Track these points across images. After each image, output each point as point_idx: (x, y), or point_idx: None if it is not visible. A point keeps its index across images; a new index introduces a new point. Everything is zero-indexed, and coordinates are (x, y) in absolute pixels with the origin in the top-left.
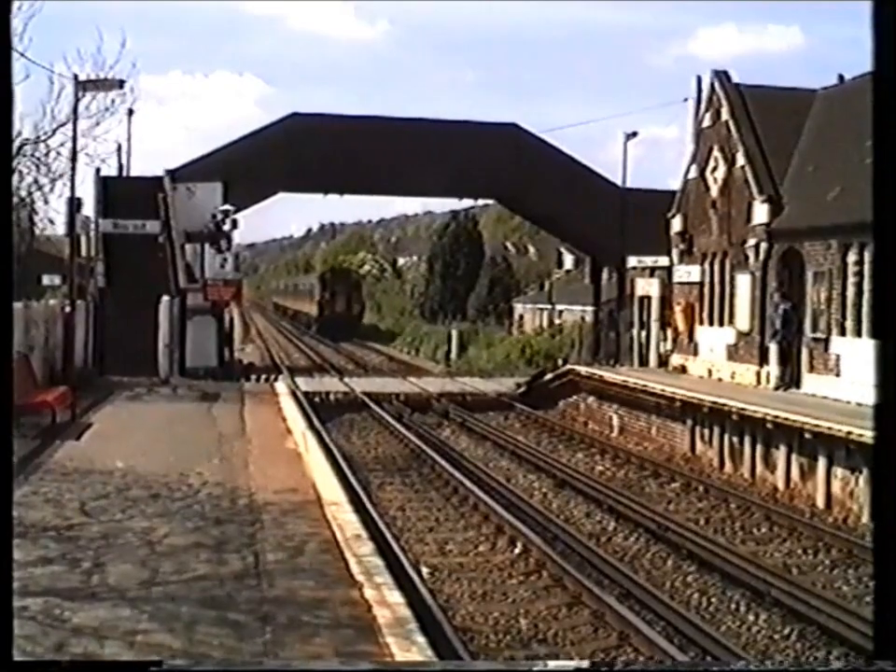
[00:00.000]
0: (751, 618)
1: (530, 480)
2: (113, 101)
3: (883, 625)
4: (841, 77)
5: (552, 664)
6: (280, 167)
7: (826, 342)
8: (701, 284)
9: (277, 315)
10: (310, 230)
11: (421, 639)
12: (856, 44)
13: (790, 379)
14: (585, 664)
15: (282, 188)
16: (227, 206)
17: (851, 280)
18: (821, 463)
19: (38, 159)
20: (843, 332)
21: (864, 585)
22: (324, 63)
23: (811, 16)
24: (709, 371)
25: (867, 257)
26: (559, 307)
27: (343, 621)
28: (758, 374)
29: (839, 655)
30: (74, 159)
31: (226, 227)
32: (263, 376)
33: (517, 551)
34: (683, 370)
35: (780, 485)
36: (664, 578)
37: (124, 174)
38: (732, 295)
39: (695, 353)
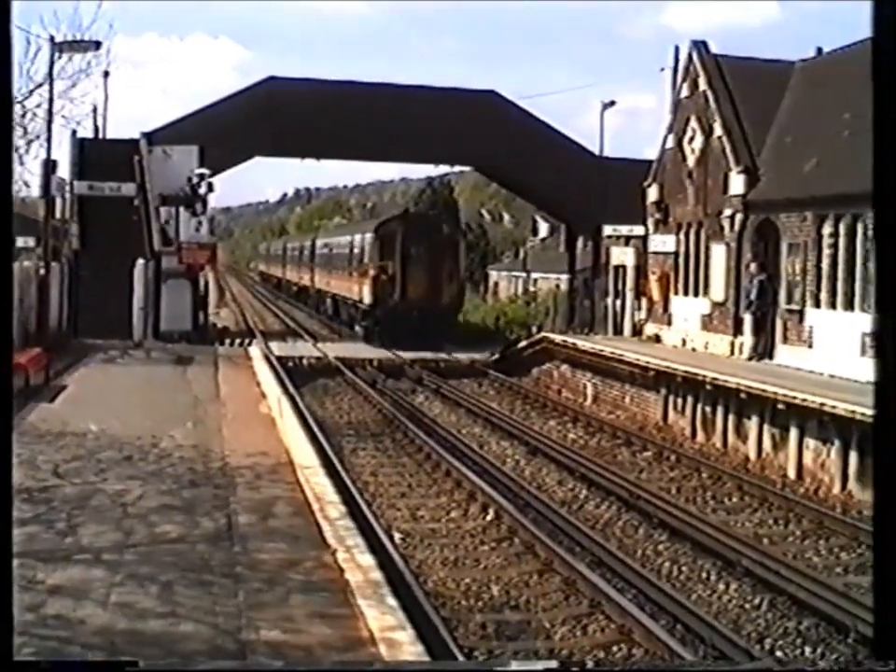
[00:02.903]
0: (722, 587)
1: (503, 447)
2: (89, 62)
3: (883, 625)
4: (819, 50)
5: (514, 664)
6: (257, 131)
7: (800, 313)
8: (676, 254)
9: (266, 290)
10: (285, 194)
11: (393, 603)
12: (832, 17)
13: (763, 350)
14: (553, 664)
15: (258, 152)
16: (203, 170)
17: (826, 252)
18: (793, 434)
19: (14, 120)
20: (817, 304)
21: (835, 556)
22: (301, 29)
23: None
24: (683, 341)
25: (842, 229)
26: (534, 275)
27: (316, 584)
28: (732, 344)
29: (810, 626)
30: (50, 120)
31: (201, 190)
32: (237, 340)
33: (489, 517)
34: (657, 339)
35: (752, 455)
36: (635, 546)
37: (100, 136)
38: (707, 265)
39: (670, 322)
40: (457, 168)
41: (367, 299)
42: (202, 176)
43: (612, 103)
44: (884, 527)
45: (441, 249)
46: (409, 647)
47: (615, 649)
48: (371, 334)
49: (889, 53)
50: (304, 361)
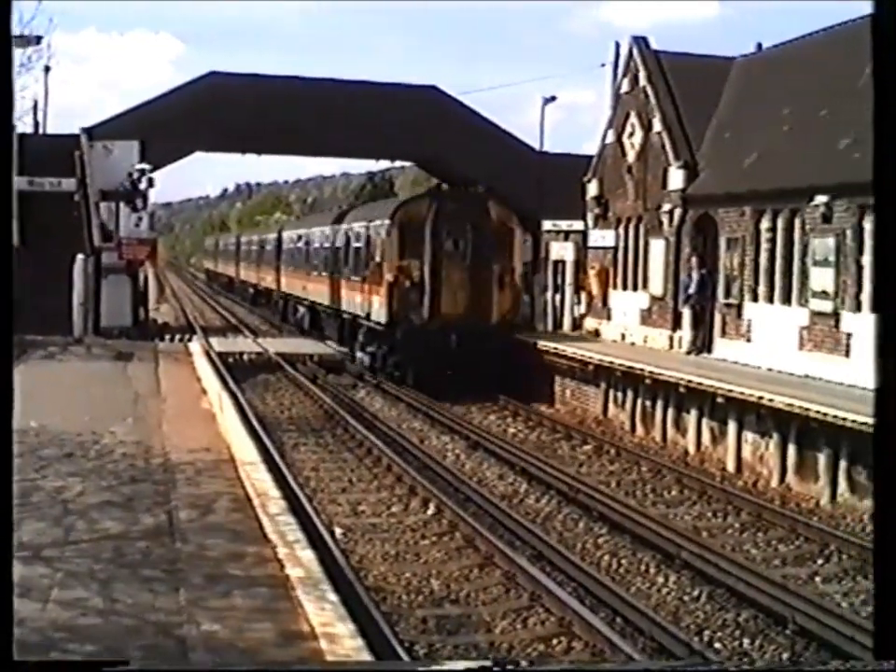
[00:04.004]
0: (661, 580)
1: (443, 441)
2: (29, 57)
3: (883, 625)
4: (759, 46)
5: (448, 664)
6: (197, 126)
7: (738, 307)
8: (615, 248)
9: (214, 290)
10: (226, 189)
11: (333, 598)
12: (772, 13)
13: (702, 344)
14: (487, 663)
15: (199, 147)
16: (143, 165)
17: (764, 247)
18: (732, 427)
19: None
20: (755, 298)
21: (773, 548)
22: (244, 23)
23: None
24: (623, 336)
25: (780, 223)
26: None
27: (257, 579)
28: (671, 339)
29: (748, 618)
30: None
31: (142, 185)
32: (178, 336)
33: (430, 512)
34: (597, 333)
35: (691, 449)
36: (575, 539)
37: (40, 131)
38: (646, 260)
39: (609, 317)
40: (398, 163)
41: (378, 315)
42: (142, 172)
43: (553, 98)
44: (884, 528)
45: (489, 242)
46: (349, 641)
47: (555, 641)
48: (383, 365)
49: (889, 50)
50: (245, 357)
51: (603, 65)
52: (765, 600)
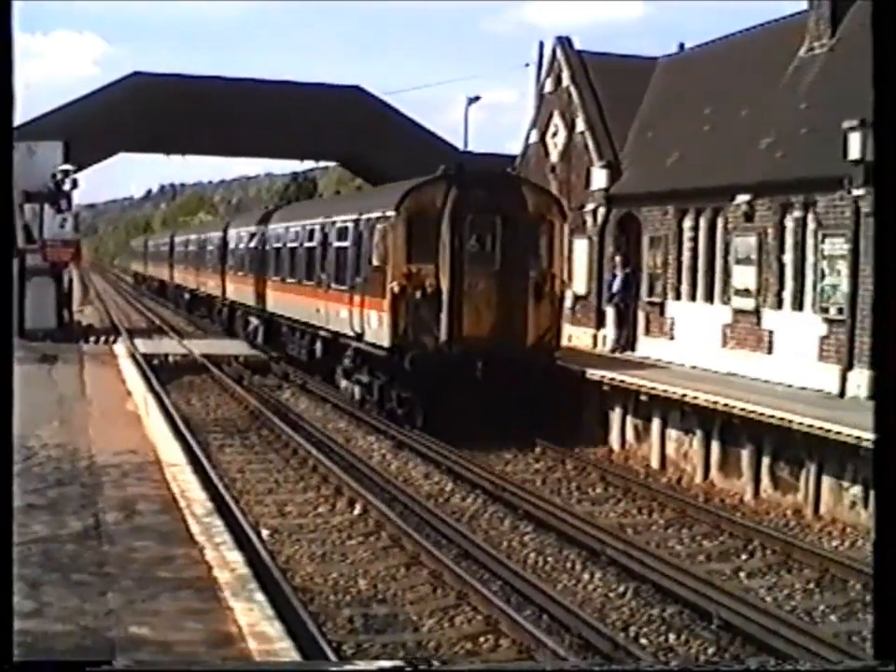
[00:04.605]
0: (587, 576)
1: (369, 441)
2: None
3: (883, 625)
4: (681, 46)
5: (361, 664)
6: (121, 126)
7: (661, 306)
8: None
9: (142, 293)
10: (150, 190)
11: (261, 597)
12: (695, 12)
13: (625, 342)
14: (400, 663)
15: (123, 147)
16: (67, 166)
17: (687, 245)
18: (656, 424)
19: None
20: (678, 297)
21: (697, 544)
22: (168, 23)
23: None
24: None
25: (703, 222)
26: None
27: (185, 581)
28: (595, 337)
29: (673, 613)
30: None
31: (66, 186)
32: (103, 338)
33: (356, 512)
34: None
35: (616, 446)
36: (501, 537)
37: None
38: (570, 259)
39: None
40: (322, 163)
41: (377, 336)
42: (66, 172)
43: (477, 98)
44: (883, 528)
45: (524, 240)
46: (278, 642)
47: (482, 640)
48: (381, 399)
49: (890, 49)
50: (170, 358)
51: (527, 65)
52: (690, 596)
